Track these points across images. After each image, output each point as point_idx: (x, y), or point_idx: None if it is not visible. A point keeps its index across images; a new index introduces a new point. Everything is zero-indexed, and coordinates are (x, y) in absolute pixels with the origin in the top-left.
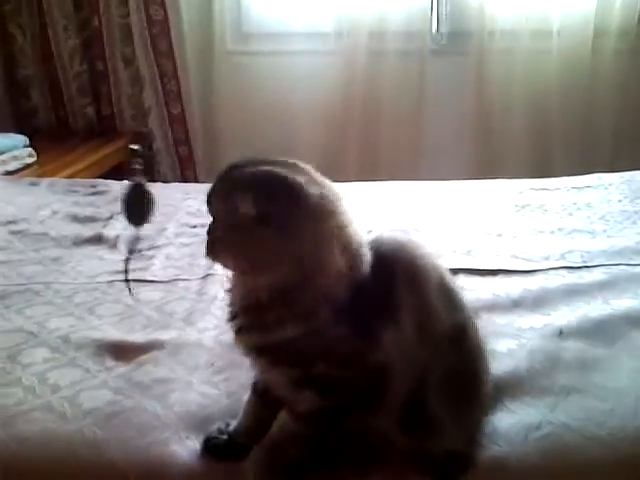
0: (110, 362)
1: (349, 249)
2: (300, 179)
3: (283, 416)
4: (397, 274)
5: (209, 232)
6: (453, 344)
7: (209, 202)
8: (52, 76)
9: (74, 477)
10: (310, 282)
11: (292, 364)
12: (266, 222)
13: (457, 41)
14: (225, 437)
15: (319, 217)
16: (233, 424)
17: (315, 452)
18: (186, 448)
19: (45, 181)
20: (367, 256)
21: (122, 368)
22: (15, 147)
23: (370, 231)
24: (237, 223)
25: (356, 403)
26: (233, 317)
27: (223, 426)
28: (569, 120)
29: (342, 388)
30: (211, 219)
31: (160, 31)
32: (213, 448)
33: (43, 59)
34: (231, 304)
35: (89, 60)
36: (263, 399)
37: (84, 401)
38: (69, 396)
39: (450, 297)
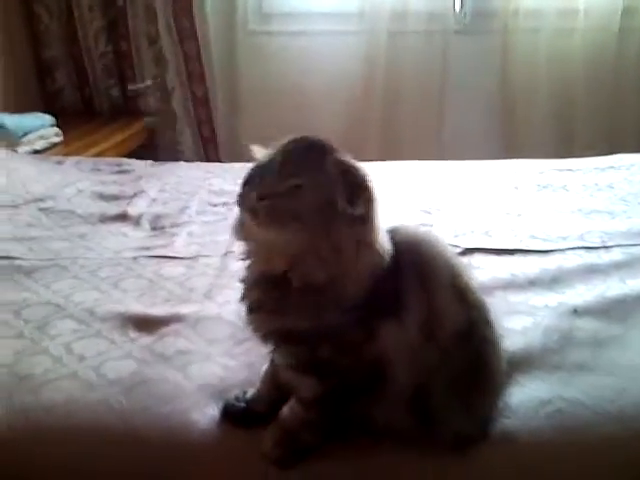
0: (134, 334)
1: (378, 253)
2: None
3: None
4: (407, 274)
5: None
6: (463, 341)
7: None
8: (77, 57)
9: (99, 443)
10: (338, 279)
11: (298, 344)
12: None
13: (481, 21)
14: (242, 404)
15: (370, 220)
16: (250, 392)
17: (327, 437)
18: (205, 416)
19: (71, 160)
20: (387, 257)
21: (145, 340)
22: (42, 126)
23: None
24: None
25: (356, 391)
26: (244, 296)
27: (241, 394)
28: (594, 101)
29: (340, 375)
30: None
31: (183, 11)
32: (231, 415)
33: (68, 40)
34: (245, 281)
35: (114, 41)
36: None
37: (109, 371)
38: (94, 366)
39: (462, 295)
